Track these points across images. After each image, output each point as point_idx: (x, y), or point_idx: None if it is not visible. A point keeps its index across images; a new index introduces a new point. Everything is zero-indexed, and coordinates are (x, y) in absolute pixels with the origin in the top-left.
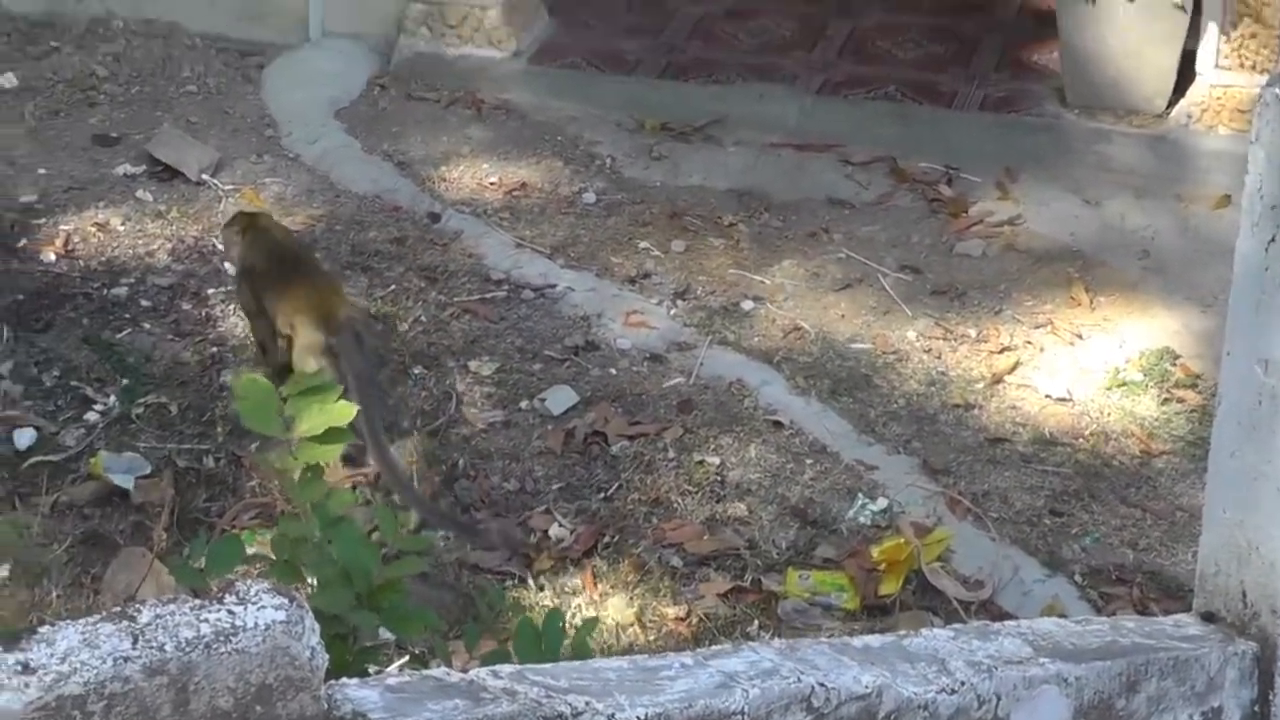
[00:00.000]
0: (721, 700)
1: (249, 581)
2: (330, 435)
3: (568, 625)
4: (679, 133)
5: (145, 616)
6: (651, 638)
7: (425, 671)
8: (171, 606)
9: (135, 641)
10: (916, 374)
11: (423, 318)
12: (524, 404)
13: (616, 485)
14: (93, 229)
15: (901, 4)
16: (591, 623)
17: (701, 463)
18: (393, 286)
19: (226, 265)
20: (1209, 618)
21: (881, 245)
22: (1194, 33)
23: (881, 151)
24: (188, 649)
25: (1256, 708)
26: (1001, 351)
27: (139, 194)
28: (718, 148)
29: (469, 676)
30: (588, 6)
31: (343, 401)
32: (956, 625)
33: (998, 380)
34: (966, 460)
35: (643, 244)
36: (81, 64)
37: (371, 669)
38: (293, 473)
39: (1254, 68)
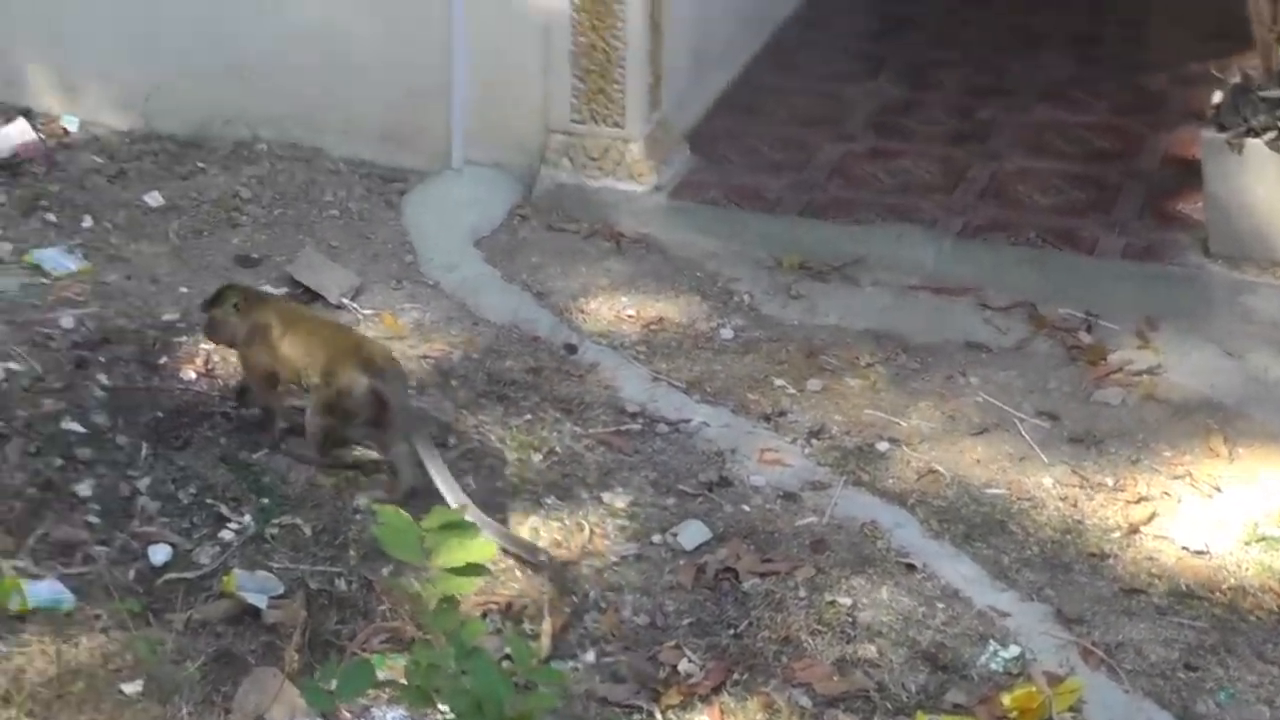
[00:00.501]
0: None
1: (384, 707)
2: (469, 569)
3: None
4: (817, 272)
5: None
6: None
7: None
8: None
9: None
10: (1052, 521)
11: (557, 449)
12: (656, 538)
13: (747, 622)
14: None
15: (1043, 149)
16: None
17: (833, 603)
18: (528, 416)
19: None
20: None
21: (1019, 391)
22: None
23: (1020, 297)
24: None
25: None
26: (1138, 501)
27: None
28: (855, 288)
29: None
30: (729, 143)
31: (482, 539)
32: None
33: (1134, 530)
34: (1101, 610)
35: (779, 382)
36: (226, 185)
37: None
38: (427, 600)
39: None
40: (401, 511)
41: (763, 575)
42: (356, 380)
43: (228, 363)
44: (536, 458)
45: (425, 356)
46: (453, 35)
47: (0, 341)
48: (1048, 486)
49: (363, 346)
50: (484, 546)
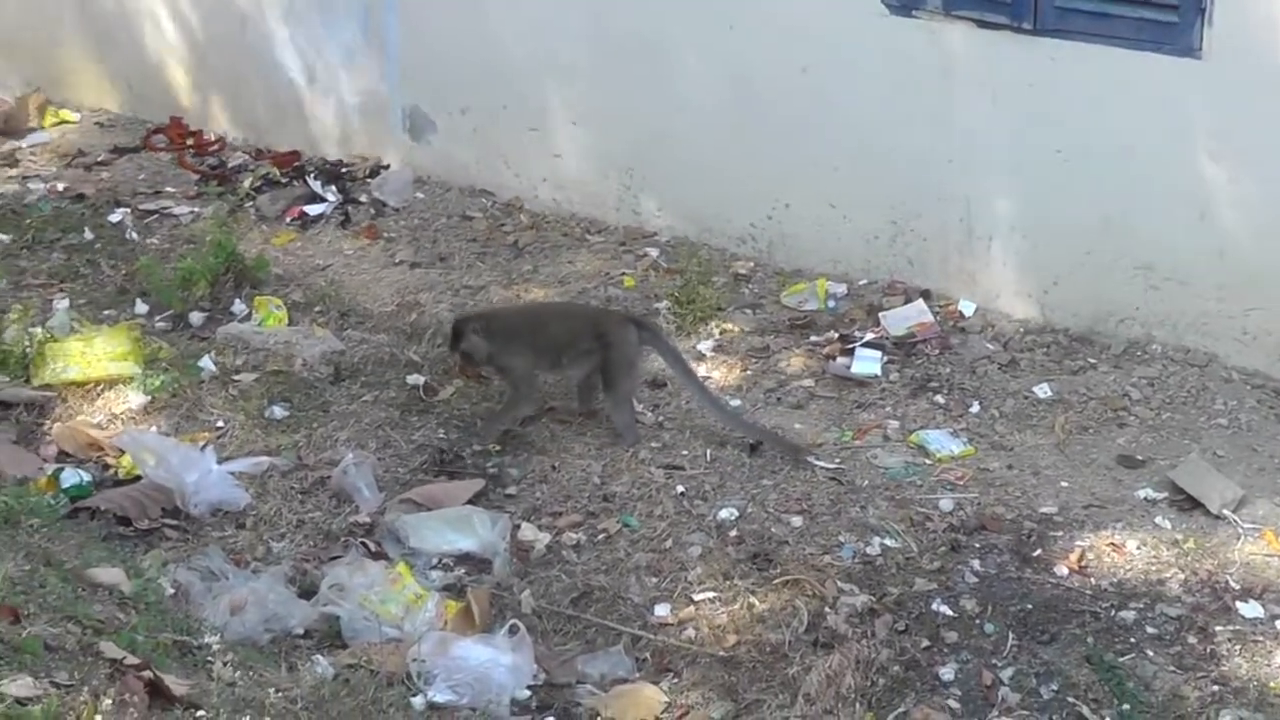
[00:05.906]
0: None
1: None
2: None
3: None
4: None
5: None
6: None
7: None
8: None
9: None
10: None
11: None
12: None
13: None
14: (1107, 548)
15: None
16: None
17: None
18: None
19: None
20: None
21: None
22: None
23: None
24: None
25: None
26: None
27: (1157, 520)
28: None
29: None
30: None
31: None
32: None
33: None
34: None
35: None
36: (1116, 383)
37: None
38: None
39: None
40: None
41: None
42: (630, 334)
43: (1101, 562)
44: None
45: None
46: None
47: (880, 517)
48: None
49: (614, 313)
50: None
